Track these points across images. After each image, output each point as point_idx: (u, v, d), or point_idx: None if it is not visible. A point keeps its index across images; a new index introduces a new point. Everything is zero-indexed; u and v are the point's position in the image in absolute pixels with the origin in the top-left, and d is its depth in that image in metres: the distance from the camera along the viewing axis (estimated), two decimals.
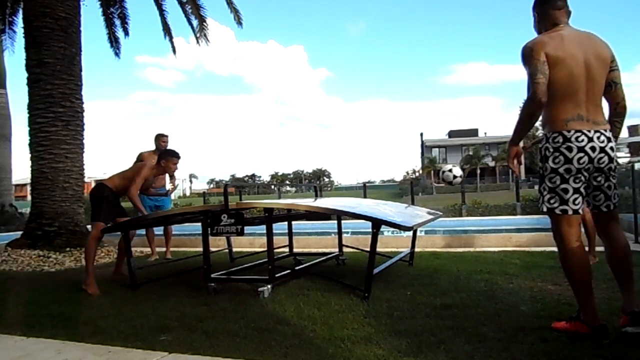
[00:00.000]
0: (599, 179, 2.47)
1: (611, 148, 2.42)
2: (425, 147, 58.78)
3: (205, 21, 10.84)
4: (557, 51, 2.38)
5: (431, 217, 4.85)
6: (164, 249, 6.76)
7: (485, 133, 60.49)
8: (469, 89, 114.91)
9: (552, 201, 2.47)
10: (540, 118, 2.50)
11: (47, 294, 4.11)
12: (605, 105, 2.55)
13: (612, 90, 2.50)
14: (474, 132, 59.70)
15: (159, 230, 6.74)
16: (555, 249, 5.74)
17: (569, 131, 2.38)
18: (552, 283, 3.79)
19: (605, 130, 2.42)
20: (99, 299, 3.85)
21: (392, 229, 4.01)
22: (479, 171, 54.04)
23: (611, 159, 2.42)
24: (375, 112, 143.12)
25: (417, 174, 69.84)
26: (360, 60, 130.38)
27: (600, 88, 2.45)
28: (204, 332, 2.81)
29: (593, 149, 2.37)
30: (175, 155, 5.01)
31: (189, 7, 10.75)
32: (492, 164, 54.83)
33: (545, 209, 2.52)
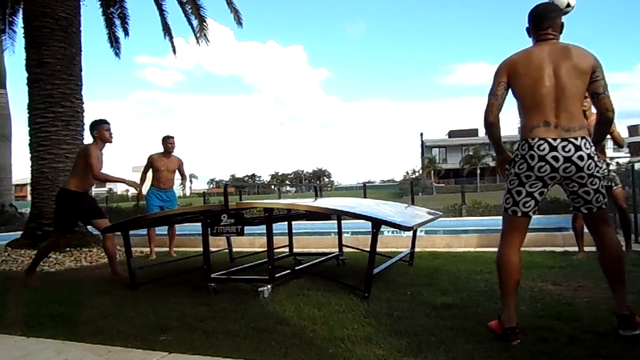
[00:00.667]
0: (570, 185, 2.50)
1: (579, 157, 2.39)
2: (425, 147, 58.82)
3: (205, 21, 10.86)
4: (520, 66, 2.52)
5: (431, 217, 4.85)
6: (165, 249, 6.79)
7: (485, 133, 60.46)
8: (469, 89, 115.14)
9: (507, 202, 2.60)
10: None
11: (47, 294, 4.11)
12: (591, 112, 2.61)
13: (596, 101, 2.54)
14: (474, 132, 59.67)
15: (162, 230, 6.78)
16: (554, 248, 5.78)
17: (533, 139, 2.45)
18: (552, 283, 3.79)
19: (576, 139, 2.40)
20: (99, 299, 3.84)
21: (392, 229, 4.01)
22: (479, 171, 54.06)
23: (579, 168, 2.40)
24: (375, 112, 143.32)
25: (417, 174, 69.84)
26: (360, 60, 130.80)
27: (572, 97, 2.46)
28: (204, 332, 2.81)
29: (556, 158, 2.39)
30: (103, 122, 4.93)
31: (189, 7, 10.76)
32: (492, 164, 54.72)
33: (503, 209, 2.66)
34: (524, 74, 2.50)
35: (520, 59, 2.55)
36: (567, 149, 2.39)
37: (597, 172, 2.46)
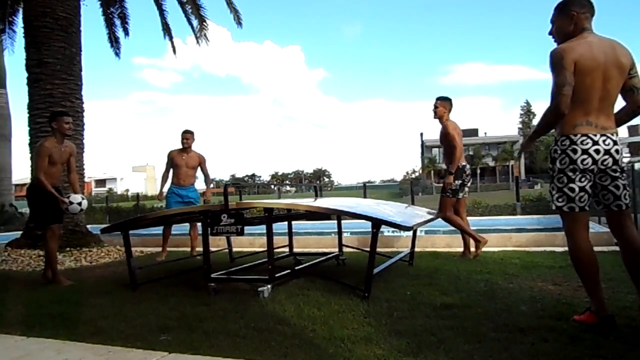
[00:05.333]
0: (603, 179, 2.56)
1: (616, 150, 2.52)
2: (425, 147, 58.78)
3: (205, 21, 10.85)
4: (585, 61, 2.45)
5: (431, 217, 4.86)
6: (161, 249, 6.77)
7: (485, 133, 60.53)
8: (468, 89, 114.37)
9: (560, 200, 2.59)
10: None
11: (47, 294, 4.11)
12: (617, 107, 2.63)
13: (634, 95, 2.57)
14: (474, 132, 59.69)
15: (158, 230, 6.73)
16: (555, 248, 5.77)
17: (575, 135, 2.50)
18: (552, 283, 3.79)
19: (612, 134, 2.52)
20: (99, 299, 3.84)
21: (392, 229, 4.01)
22: (479, 171, 54.05)
23: (615, 161, 2.52)
24: (374, 112, 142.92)
25: (417, 174, 69.84)
26: (357, 60, 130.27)
27: (613, 98, 2.54)
28: (204, 332, 2.81)
29: (597, 151, 2.48)
30: (63, 114, 4.80)
31: (189, 7, 10.75)
32: (492, 164, 54.84)
33: (554, 207, 2.65)
34: (583, 71, 2.44)
35: (584, 53, 2.45)
36: (606, 143, 2.49)
37: (625, 168, 2.57)
